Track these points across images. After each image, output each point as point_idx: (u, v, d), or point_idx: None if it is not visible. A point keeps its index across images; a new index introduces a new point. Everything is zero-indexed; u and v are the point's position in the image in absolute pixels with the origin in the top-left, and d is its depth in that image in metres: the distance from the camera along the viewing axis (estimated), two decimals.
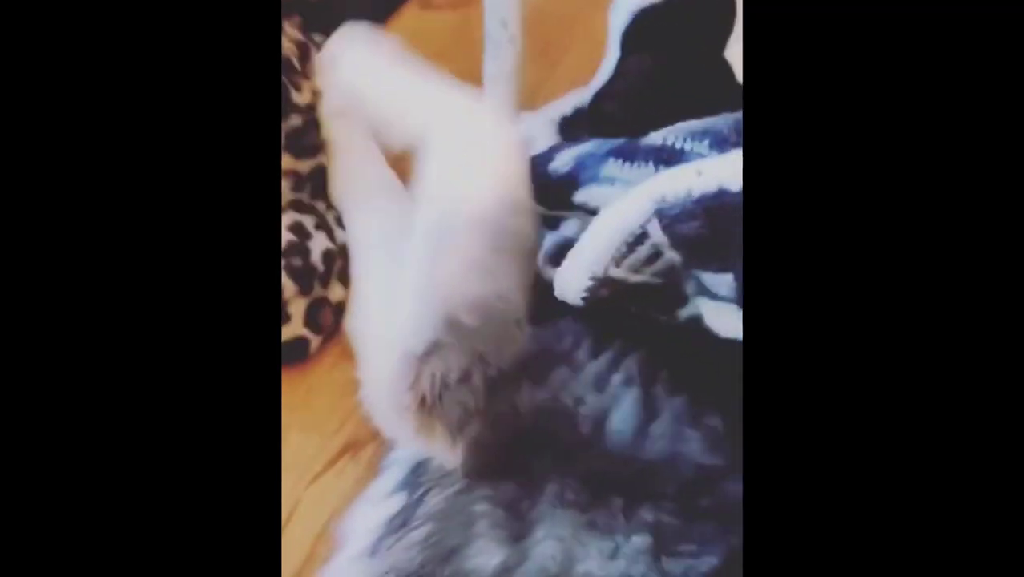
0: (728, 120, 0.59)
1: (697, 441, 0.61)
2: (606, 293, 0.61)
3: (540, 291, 0.68)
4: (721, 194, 0.51)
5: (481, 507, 0.61)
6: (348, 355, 0.82)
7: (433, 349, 0.66)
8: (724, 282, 0.53)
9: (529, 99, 1.04)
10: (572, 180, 0.68)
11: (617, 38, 0.82)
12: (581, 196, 0.67)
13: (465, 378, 0.64)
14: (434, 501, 0.64)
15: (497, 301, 0.67)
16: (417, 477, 0.66)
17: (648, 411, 0.62)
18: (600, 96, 0.81)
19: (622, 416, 0.62)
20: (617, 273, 0.59)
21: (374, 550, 0.64)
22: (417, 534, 0.62)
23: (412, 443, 0.69)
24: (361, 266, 0.85)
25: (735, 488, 0.57)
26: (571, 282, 0.62)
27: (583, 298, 0.63)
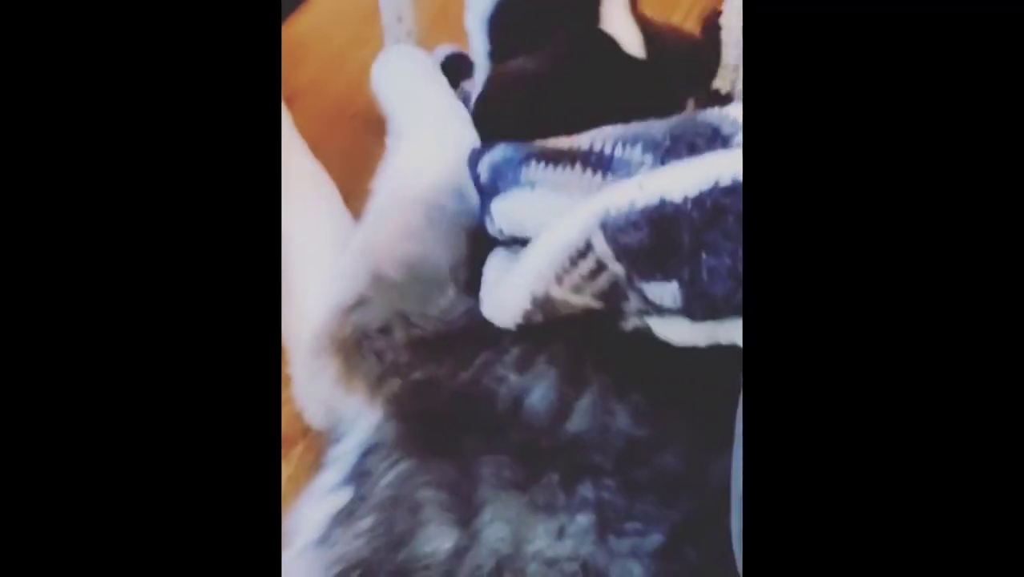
0: (661, 127, 0.61)
1: (625, 415, 0.63)
2: (541, 319, 0.63)
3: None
4: (663, 205, 0.53)
5: (426, 492, 0.63)
6: None
7: (359, 302, 0.70)
8: (669, 291, 0.55)
9: None
10: (493, 188, 0.69)
11: (482, 27, 0.83)
12: (502, 203, 0.67)
13: (385, 330, 0.68)
14: (380, 491, 0.65)
15: (424, 263, 0.71)
16: (362, 470, 0.68)
17: (573, 389, 0.64)
18: (483, 101, 0.81)
19: (542, 393, 0.65)
20: (557, 293, 0.60)
21: (323, 540, 0.65)
22: (365, 523, 0.64)
23: (330, 395, 0.72)
24: (289, 262, 0.85)
25: (671, 460, 0.61)
26: (507, 303, 0.64)
27: (517, 324, 0.65)
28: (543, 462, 0.63)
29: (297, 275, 0.81)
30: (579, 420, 0.64)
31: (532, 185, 0.65)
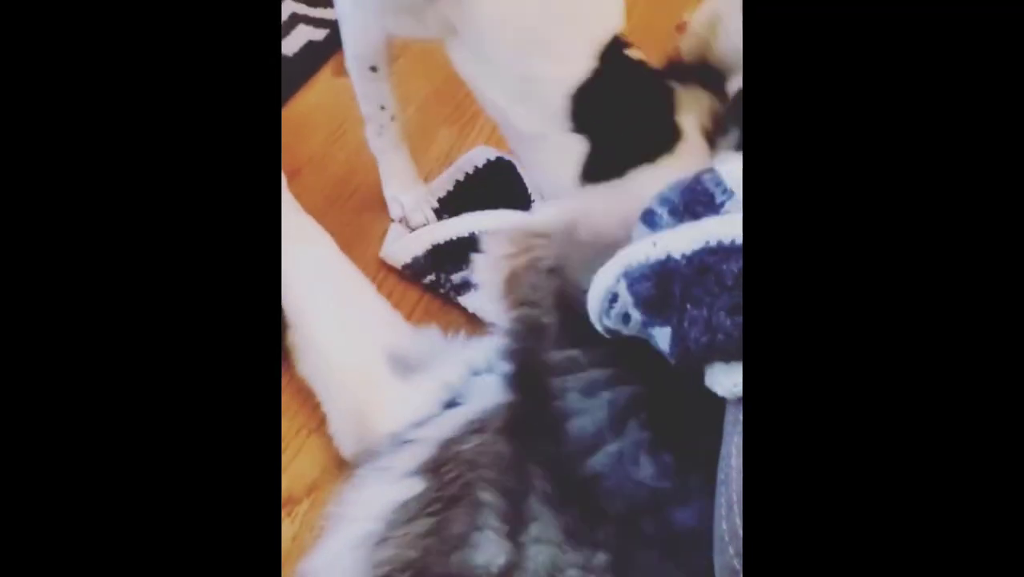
0: (678, 189, 0.66)
1: (649, 468, 0.67)
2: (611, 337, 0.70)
3: None
4: (668, 260, 0.59)
5: (487, 494, 0.67)
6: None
7: (543, 235, 0.78)
8: (664, 335, 0.60)
9: (444, 166, 1.12)
10: None
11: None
12: None
13: (551, 270, 0.75)
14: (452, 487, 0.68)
15: (608, 245, 0.73)
16: (440, 464, 0.70)
17: (613, 431, 0.69)
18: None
19: (585, 424, 0.69)
20: (609, 324, 0.67)
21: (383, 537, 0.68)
22: (426, 522, 0.67)
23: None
24: (298, 311, 0.88)
25: (682, 516, 0.64)
26: (593, 318, 0.70)
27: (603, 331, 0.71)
28: (571, 488, 0.66)
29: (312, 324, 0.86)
30: (602, 460, 0.67)
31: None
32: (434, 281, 0.99)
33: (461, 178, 1.09)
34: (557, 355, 0.72)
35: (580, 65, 0.81)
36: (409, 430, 0.76)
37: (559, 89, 0.82)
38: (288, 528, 0.82)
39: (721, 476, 0.54)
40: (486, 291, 0.79)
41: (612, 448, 0.68)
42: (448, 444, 0.71)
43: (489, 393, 0.74)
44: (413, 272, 1.00)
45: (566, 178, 0.86)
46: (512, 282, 0.77)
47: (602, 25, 0.82)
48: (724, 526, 0.51)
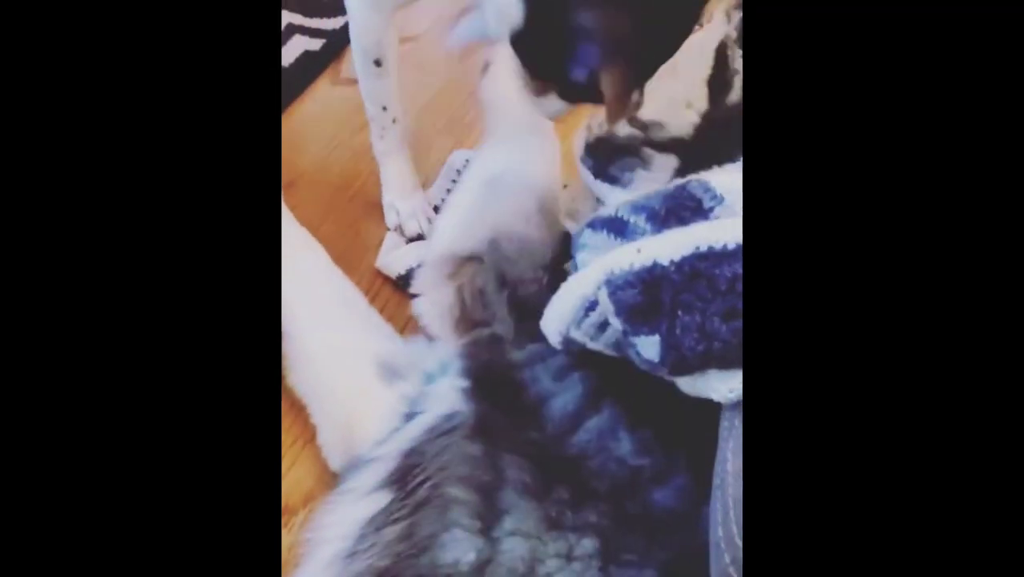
0: (659, 197, 0.66)
1: (628, 444, 0.68)
2: (575, 349, 0.70)
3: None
4: (654, 267, 0.59)
5: (456, 491, 0.66)
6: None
7: (471, 258, 0.81)
8: (652, 343, 0.59)
9: (440, 168, 1.12)
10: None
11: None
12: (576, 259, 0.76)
13: (487, 287, 0.78)
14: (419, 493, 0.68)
15: (531, 243, 0.80)
16: (406, 473, 0.70)
17: (589, 409, 0.70)
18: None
19: (564, 402, 0.70)
20: (577, 335, 0.67)
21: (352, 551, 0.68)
22: (396, 528, 0.66)
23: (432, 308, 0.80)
24: (293, 324, 0.88)
25: (661, 496, 0.64)
26: (549, 329, 0.72)
27: (559, 344, 0.72)
28: (553, 473, 0.67)
29: (303, 336, 0.86)
30: (583, 437, 0.69)
31: (585, 247, 0.74)
32: None
33: (450, 186, 1.09)
34: (519, 353, 0.74)
35: None
36: (372, 448, 0.76)
37: None
38: (284, 538, 0.81)
39: (716, 481, 0.54)
40: (435, 322, 0.81)
41: (592, 424, 0.68)
42: (410, 453, 0.71)
43: (449, 399, 0.74)
44: (407, 282, 1.00)
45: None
46: (459, 309, 0.79)
47: None
48: (720, 533, 0.51)
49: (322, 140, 1.14)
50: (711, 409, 0.59)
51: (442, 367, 0.79)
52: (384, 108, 0.99)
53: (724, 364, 0.56)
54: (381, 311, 0.96)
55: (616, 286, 0.60)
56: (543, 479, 0.66)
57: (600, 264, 0.63)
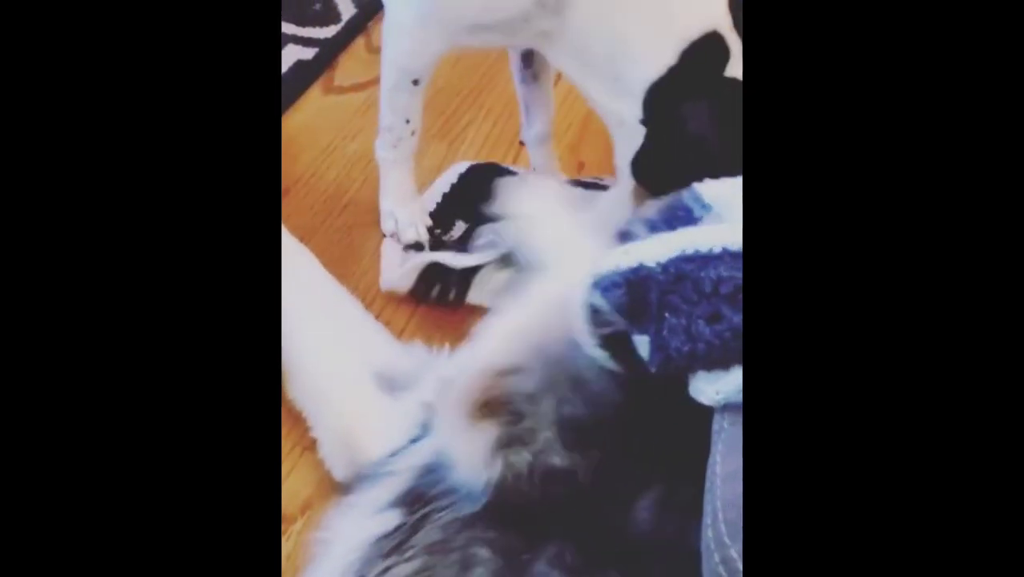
0: (656, 207, 0.68)
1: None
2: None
3: None
4: (640, 268, 0.59)
5: (482, 551, 0.65)
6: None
7: (513, 370, 0.71)
8: (643, 343, 0.60)
9: (434, 173, 1.11)
10: None
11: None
12: None
13: (533, 401, 0.69)
14: (432, 529, 0.67)
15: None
16: (416, 497, 0.69)
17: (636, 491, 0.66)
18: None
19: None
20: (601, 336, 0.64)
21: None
22: (408, 567, 0.65)
23: (453, 444, 0.71)
24: (287, 336, 0.88)
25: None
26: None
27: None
28: (604, 557, 0.64)
29: (300, 348, 0.85)
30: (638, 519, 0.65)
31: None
32: (441, 292, 0.99)
33: (447, 189, 1.09)
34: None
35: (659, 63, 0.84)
36: (383, 461, 0.75)
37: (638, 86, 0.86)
38: (282, 547, 0.81)
39: (707, 484, 0.54)
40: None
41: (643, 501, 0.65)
42: (424, 473, 0.70)
43: None
44: (416, 295, 1.00)
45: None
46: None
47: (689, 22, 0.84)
48: (710, 534, 0.51)
49: (315, 149, 1.14)
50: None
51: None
52: (407, 121, 0.99)
53: (709, 365, 0.56)
54: (379, 316, 0.96)
55: (604, 287, 0.61)
56: (589, 560, 0.64)
57: (589, 269, 0.63)
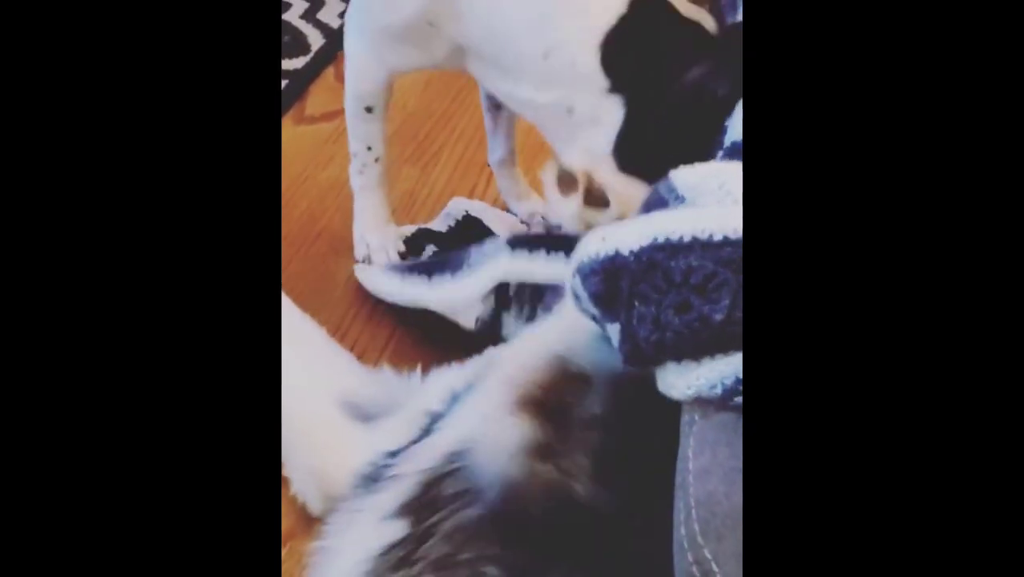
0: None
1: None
2: None
3: None
4: (616, 256, 0.58)
5: (491, 570, 0.63)
6: None
7: (581, 379, 0.70)
8: (614, 330, 0.59)
9: (408, 205, 1.11)
10: None
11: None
12: None
13: (585, 424, 0.68)
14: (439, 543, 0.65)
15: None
16: (425, 502, 0.67)
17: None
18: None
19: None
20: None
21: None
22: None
23: (483, 426, 0.70)
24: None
25: None
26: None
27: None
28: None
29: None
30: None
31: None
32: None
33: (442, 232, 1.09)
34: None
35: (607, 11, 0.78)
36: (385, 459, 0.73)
37: (586, 46, 0.78)
38: None
39: (679, 480, 0.52)
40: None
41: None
42: (431, 484, 0.68)
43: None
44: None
45: (601, 155, 0.81)
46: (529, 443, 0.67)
47: None
48: (683, 532, 0.50)
49: (288, 178, 1.13)
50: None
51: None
52: (368, 148, 1.00)
53: (678, 356, 0.55)
54: (353, 346, 0.95)
55: (584, 274, 0.60)
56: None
57: (575, 254, 0.62)
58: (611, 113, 0.80)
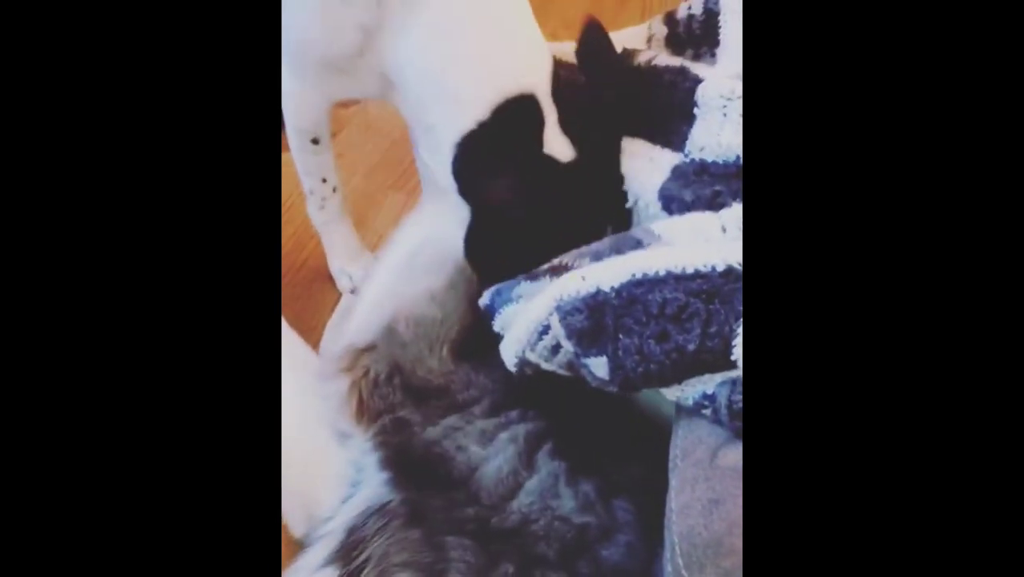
0: (605, 242, 0.69)
1: (570, 500, 0.68)
2: (530, 371, 0.71)
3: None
4: (597, 293, 0.62)
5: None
6: None
7: (369, 347, 0.80)
8: (600, 364, 0.62)
9: (391, 226, 1.11)
10: (489, 311, 0.75)
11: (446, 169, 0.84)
12: (497, 323, 0.74)
13: (388, 377, 0.78)
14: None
15: (430, 324, 0.79)
16: (350, 549, 0.69)
17: (525, 468, 0.70)
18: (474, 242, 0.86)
19: (497, 466, 0.70)
20: (532, 357, 0.69)
21: None
22: None
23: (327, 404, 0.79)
24: None
25: (608, 553, 0.65)
26: (506, 356, 0.72)
27: (515, 365, 0.72)
28: (497, 545, 0.66)
29: None
30: (524, 499, 0.68)
31: (518, 299, 0.73)
32: None
33: None
34: (434, 430, 0.73)
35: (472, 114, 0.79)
36: (322, 525, 0.75)
37: (448, 138, 0.80)
38: None
39: (665, 519, 0.55)
40: (338, 417, 0.79)
41: (531, 484, 0.68)
42: (353, 530, 0.70)
43: (378, 493, 0.73)
44: None
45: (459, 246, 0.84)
46: (357, 401, 0.78)
47: (509, 76, 0.79)
48: (669, 569, 0.52)
49: None
50: (656, 444, 0.61)
51: (358, 468, 0.77)
52: (324, 180, 1.00)
53: (663, 383, 0.60)
54: None
55: (566, 312, 0.63)
56: (488, 555, 0.65)
57: (550, 291, 0.65)
58: (462, 208, 0.84)
